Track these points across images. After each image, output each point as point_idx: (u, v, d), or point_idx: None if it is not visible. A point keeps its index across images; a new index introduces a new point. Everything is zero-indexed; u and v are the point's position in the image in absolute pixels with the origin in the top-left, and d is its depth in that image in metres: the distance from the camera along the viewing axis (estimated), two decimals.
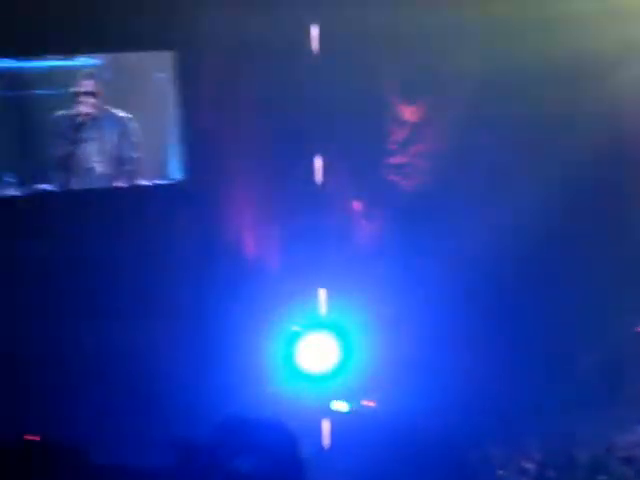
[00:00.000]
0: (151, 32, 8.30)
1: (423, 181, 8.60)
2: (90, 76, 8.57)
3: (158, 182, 8.85)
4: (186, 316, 8.40)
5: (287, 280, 8.49)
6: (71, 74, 8.70)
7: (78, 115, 8.54)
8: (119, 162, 8.72)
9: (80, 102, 8.52)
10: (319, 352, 8.40)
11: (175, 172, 9.10)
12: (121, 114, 8.72)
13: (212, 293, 8.41)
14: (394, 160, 8.63)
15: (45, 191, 8.53)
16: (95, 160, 8.66)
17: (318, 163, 8.52)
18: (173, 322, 8.33)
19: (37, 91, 8.88)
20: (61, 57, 8.73)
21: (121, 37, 8.29)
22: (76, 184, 8.59)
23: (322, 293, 8.49)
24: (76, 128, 8.56)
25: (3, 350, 7.95)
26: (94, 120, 8.61)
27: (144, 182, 8.78)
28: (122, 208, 8.37)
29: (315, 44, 8.34)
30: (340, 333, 8.41)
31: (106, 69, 8.98)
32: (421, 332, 8.46)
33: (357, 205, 8.59)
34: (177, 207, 8.51)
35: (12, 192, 8.49)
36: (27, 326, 8.11)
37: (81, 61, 8.84)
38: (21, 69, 8.82)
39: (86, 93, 8.53)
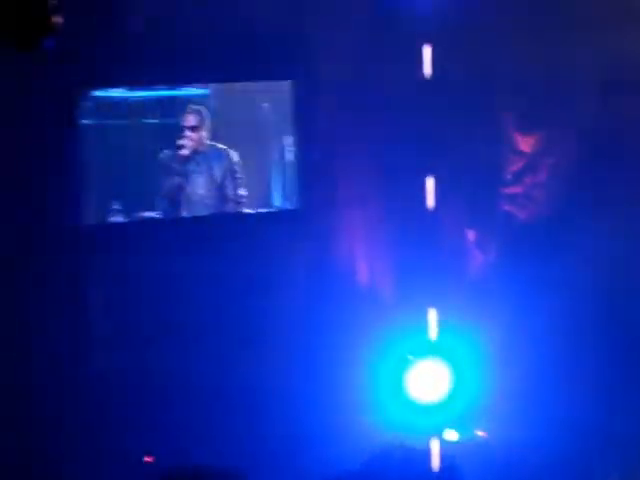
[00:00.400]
0: (263, 62, 8.42)
1: (538, 212, 8.58)
2: (195, 111, 8.75)
3: (265, 210, 9.02)
4: (297, 345, 8.40)
5: (398, 308, 8.42)
6: (180, 103, 8.96)
7: (182, 149, 8.69)
8: (224, 194, 8.86)
9: (185, 136, 8.69)
10: (430, 380, 8.32)
11: (283, 201, 9.22)
12: (225, 147, 8.88)
13: (323, 321, 8.38)
14: (509, 190, 8.60)
15: (151, 219, 8.73)
16: (201, 193, 8.81)
17: (431, 190, 8.55)
18: (284, 351, 8.34)
19: (146, 120, 9.08)
20: (171, 87, 8.93)
21: (232, 67, 8.43)
22: (179, 213, 8.77)
23: (433, 319, 8.47)
24: (181, 162, 8.73)
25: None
26: (199, 153, 8.76)
27: (248, 210, 8.92)
28: (231, 235, 8.44)
29: (427, 68, 8.39)
30: (451, 361, 8.35)
31: (214, 98, 9.15)
32: (532, 362, 8.35)
33: (470, 234, 8.58)
34: (287, 235, 8.55)
35: (119, 219, 8.70)
36: (143, 355, 8.24)
37: (190, 91, 9.02)
38: (131, 98, 9.03)
39: (191, 127, 8.70)
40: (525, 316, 8.36)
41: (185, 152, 8.70)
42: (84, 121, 8.54)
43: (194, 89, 9.04)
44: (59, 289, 7.96)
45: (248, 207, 8.93)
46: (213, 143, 8.88)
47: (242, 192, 8.88)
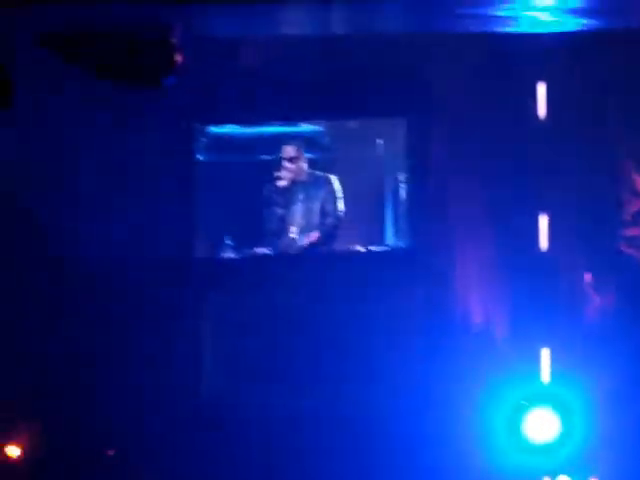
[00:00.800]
0: (378, 99, 8.38)
1: None
2: (292, 143, 8.74)
3: (378, 248, 8.93)
4: (410, 386, 8.22)
5: (512, 348, 8.22)
6: (295, 140, 8.95)
7: (280, 180, 8.71)
8: (326, 224, 8.81)
9: (283, 168, 8.70)
10: (543, 423, 8.12)
11: (393, 238, 9.13)
12: (324, 174, 8.85)
13: (436, 362, 8.20)
14: (627, 232, 8.40)
15: (261, 255, 8.71)
16: (302, 221, 8.78)
17: (545, 229, 8.38)
18: (397, 393, 8.18)
19: (258, 156, 9.12)
20: (285, 124, 8.96)
21: (347, 104, 8.41)
22: (286, 247, 8.75)
23: (546, 360, 8.29)
24: (281, 193, 8.74)
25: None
26: (298, 184, 8.75)
27: (359, 247, 8.82)
28: (342, 273, 8.36)
29: (542, 106, 8.26)
30: (564, 405, 8.18)
31: (328, 135, 9.14)
32: None
33: (587, 276, 8.38)
34: (400, 274, 8.44)
35: (231, 255, 8.73)
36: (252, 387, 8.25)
37: (304, 127, 9.04)
38: (246, 134, 9.08)
39: (289, 159, 8.70)
40: None
41: (283, 183, 8.72)
42: (199, 156, 8.68)
43: (308, 126, 9.05)
44: (171, 321, 8.01)
45: (360, 244, 8.89)
46: (312, 171, 8.86)
47: (341, 214, 8.81)
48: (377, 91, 8.24)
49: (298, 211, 8.77)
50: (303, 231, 8.74)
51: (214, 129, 8.91)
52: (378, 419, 8.02)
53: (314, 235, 8.74)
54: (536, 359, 8.16)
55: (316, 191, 8.78)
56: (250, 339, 8.23)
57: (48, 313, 7.83)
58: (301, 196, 8.76)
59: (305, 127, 9.10)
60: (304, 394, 8.15)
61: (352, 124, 9.24)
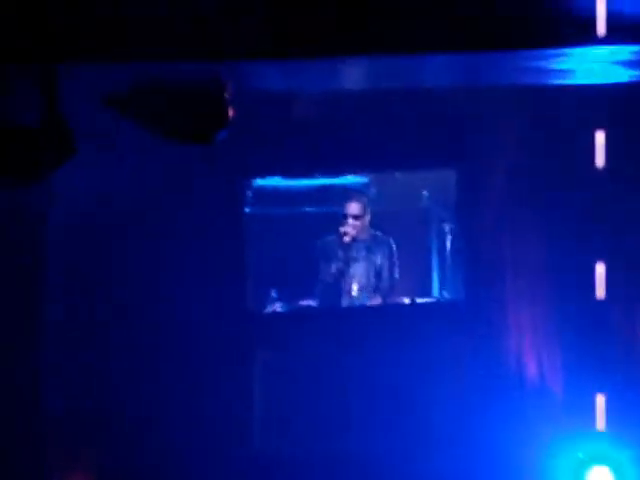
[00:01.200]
0: (425, 151, 8.39)
1: None
2: (358, 199, 8.71)
3: (425, 300, 8.87)
4: (462, 443, 8.14)
5: (569, 406, 8.06)
6: (339, 192, 8.97)
7: (346, 236, 8.66)
8: (382, 284, 8.79)
9: (348, 224, 8.65)
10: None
11: (443, 291, 9.03)
12: (386, 236, 8.83)
13: (488, 419, 8.06)
14: None
15: (310, 308, 8.69)
16: (360, 280, 8.74)
17: (601, 278, 8.31)
18: (449, 450, 8.08)
19: (305, 209, 9.10)
20: (329, 176, 8.95)
21: (393, 156, 8.41)
22: (346, 304, 8.72)
23: (601, 410, 8.15)
24: (343, 249, 8.70)
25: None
26: (359, 242, 8.72)
27: (406, 300, 8.77)
28: (390, 326, 8.31)
29: (600, 155, 8.21)
30: (620, 465, 7.97)
31: (374, 186, 9.12)
32: None
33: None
34: (448, 327, 8.35)
35: (277, 308, 8.72)
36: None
37: (350, 179, 9.02)
38: (290, 187, 9.08)
39: (354, 216, 8.66)
40: None
41: (348, 239, 8.66)
42: (247, 209, 8.69)
43: (354, 177, 9.06)
44: (222, 374, 8.00)
45: (407, 296, 8.81)
46: (374, 232, 8.85)
47: (397, 277, 8.80)
48: (426, 142, 8.26)
49: (359, 269, 8.73)
50: (361, 289, 8.73)
51: (261, 182, 8.91)
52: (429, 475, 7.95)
53: (376, 300, 8.72)
54: (592, 410, 8.05)
55: (375, 251, 8.76)
56: (299, 392, 8.20)
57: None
58: (362, 254, 8.75)
59: (351, 179, 9.07)
60: (352, 445, 8.10)
61: (399, 175, 9.19)
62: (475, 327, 8.34)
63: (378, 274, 8.78)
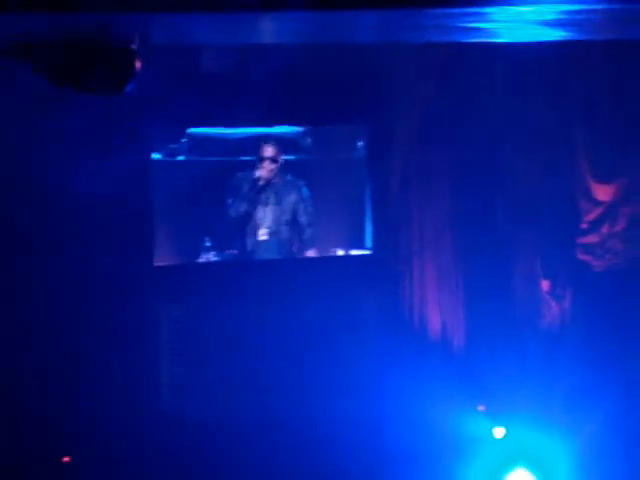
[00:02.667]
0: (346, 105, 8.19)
1: (614, 262, 8.23)
2: (273, 143, 8.49)
3: (347, 253, 8.66)
4: (364, 391, 8.07)
5: (472, 361, 8.10)
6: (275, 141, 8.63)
7: (258, 179, 8.46)
8: (296, 228, 8.59)
9: (262, 167, 8.45)
10: None
11: (365, 244, 8.79)
12: (297, 180, 8.63)
13: (394, 369, 8.01)
14: (585, 240, 8.27)
15: (237, 259, 8.49)
16: (270, 226, 8.55)
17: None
18: (350, 399, 8.01)
19: (240, 157, 8.79)
20: (264, 125, 8.64)
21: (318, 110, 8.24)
22: (255, 248, 8.48)
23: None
24: (254, 191, 8.48)
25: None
26: (272, 185, 8.52)
27: (332, 252, 8.64)
28: (311, 277, 8.16)
29: None
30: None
31: (310, 135, 8.83)
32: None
33: (545, 284, 8.25)
34: (366, 278, 8.27)
35: (210, 257, 8.50)
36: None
37: (284, 129, 8.72)
38: (227, 136, 8.77)
39: (269, 159, 8.45)
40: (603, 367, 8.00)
41: (262, 182, 8.47)
42: (179, 158, 8.44)
43: (289, 127, 8.74)
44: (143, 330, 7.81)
45: (331, 247, 8.65)
46: (287, 176, 8.61)
47: (311, 223, 8.56)
48: (343, 99, 8.07)
49: (268, 213, 8.51)
50: (271, 234, 8.50)
51: (195, 131, 8.55)
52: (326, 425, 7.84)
53: (287, 247, 8.53)
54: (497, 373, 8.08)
55: (285, 196, 8.53)
56: (223, 343, 8.02)
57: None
58: (271, 199, 8.52)
59: (286, 128, 8.74)
60: (269, 399, 7.96)
61: (335, 126, 8.86)
62: (381, 279, 8.29)
63: (292, 220, 8.55)
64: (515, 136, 8.13)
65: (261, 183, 8.50)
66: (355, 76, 8.03)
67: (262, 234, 8.54)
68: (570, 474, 7.84)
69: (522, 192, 8.14)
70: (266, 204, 8.55)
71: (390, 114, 8.19)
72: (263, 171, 8.49)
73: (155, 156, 8.39)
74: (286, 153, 8.66)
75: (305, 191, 8.63)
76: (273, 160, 8.49)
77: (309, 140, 8.84)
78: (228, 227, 8.57)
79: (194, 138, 8.61)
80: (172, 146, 8.53)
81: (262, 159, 8.49)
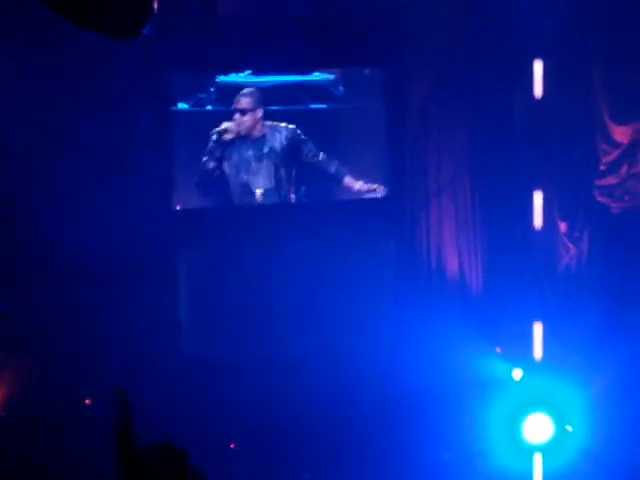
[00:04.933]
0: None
1: (633, 203, 8.13)
2: (249, 94, 8.02)
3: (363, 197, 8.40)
4: (383, 333, 8.05)
5: (489, 303, 8.06)
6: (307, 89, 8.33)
7: (226, 133, 8.00)
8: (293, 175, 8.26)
9: (233, 119, 8.00)
10: (539, 423, 7.84)
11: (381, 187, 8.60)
12: (284, 124, 8.14)
13: (412, 311, 7.99)
14: (604, 181, 8.18)
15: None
16: (264, 184, 8.15)
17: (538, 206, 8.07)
18: (370, 341, 7.99)
19: (269, 107, 8.27)
20: (294, 73, 8.31)
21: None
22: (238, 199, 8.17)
23: (537, 329, 8.03)
24: (222, 147, 8.03)
25: None
26: (255, 138, 8.09)
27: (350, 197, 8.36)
28: (329, 220, 8.10)
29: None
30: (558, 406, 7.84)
31: (341, 84, 8.53)
32: None
33: (563, 226, 8.19)
34: (383, 221, 8.23)
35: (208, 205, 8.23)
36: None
37: (316, 77, 8.35)
38: (256, 85, 8.26)
39: (241, 110, 8.00)
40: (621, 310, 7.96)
41: (228, 136, 7.97)
42: (208, 107, 8.12)
43: (320, 75, 8.29)
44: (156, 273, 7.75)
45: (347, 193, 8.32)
46: (272, 123, 8.11)
47: (321, 157, 8.16)
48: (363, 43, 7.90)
49: (261, 170, 8.08)
50: (265, 193, 8.12)
51: (223, 79, 8.11)
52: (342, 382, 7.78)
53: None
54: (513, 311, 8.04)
55: (276, 143, 8.08)
56: (243, 286, 7.99)
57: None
58: (259, 152, 8.07)
59: (316, 76, 8.27)
60: (271, 342, 7.95)
61: (367, 73, 8.45)
62: (399, 222, 8.24)
63: (286, 169, 8.13)
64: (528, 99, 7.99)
65: (227, 137, 7.99)
66: (374, 20, 7.88)
67: (258, 194, 8.14)
68: (587, 418, 7.84)
69: (540, 134, 8.07)
70: (253, 160, 8.10)
71: (409, 57, 8.04)
72: (231, 124, 7.99)
73: (182, 105, 8.05)
74: (318, 102, 8.25)
75: (289, 130, 8.12)
76: (246, 112, 7.99)
77: (341, 89, 8.34)
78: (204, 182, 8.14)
79: (222, 87, 8.13)
80: (200, 95, 8.10)
81: (235, 111, 7.99)
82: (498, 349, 8.09)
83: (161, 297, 7.73)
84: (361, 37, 7.92)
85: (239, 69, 8.06)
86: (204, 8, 7.63)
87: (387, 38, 7.97)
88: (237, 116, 8.01)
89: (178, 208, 8.05)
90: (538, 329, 8.01)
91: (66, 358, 7.49)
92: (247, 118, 8.02)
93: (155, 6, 5.31)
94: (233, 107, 8.01)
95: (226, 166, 8.08)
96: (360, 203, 8.30)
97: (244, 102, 7.99)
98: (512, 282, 8.02)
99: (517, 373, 8.07)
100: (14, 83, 7.27)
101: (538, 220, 8.04)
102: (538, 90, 7.96)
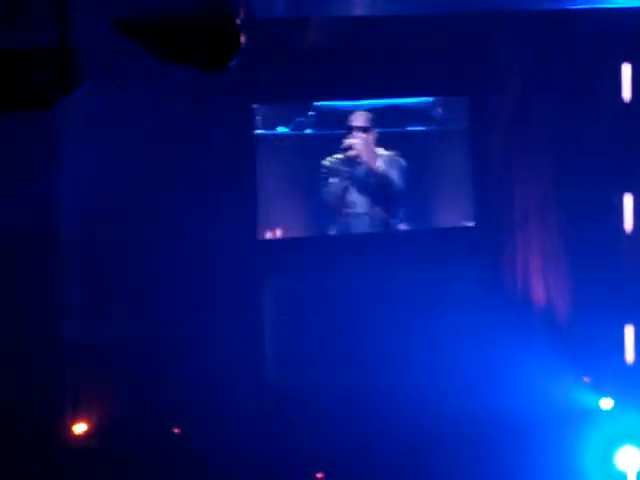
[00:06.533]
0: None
1: None
2: (363, 113, 8.14)
3: (447, 226, 8.44)
4: (469, 364, 8.00)
5: (577, 333, 7.97)
6: (405, 113, 8.36)
7: (350, 149, 8.13)
8: (390, 202, 8.33)
9: (354, 136, 8.11)
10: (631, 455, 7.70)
11: (464, 218, 8.60)
12: (393, 154, 8.26)
13: (497, 343, 7.88)
14: None
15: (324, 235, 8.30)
16: (366, 204, 8.28)
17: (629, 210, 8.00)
18: (454, 373, 7.95)
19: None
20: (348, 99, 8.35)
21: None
22: (350, 224, 8.29)
23: (629, 335, 8.02)
24: (348, 164, 8.17)
25: None
26: (365, 162, 8.21)
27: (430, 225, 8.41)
28: (413, 250, 8.10)
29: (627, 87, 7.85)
30: None
31: (439, 106, 8.50)
32: None
33: None
34: (468, 251, 8.19)
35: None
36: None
37: (412, 100, 8.37)
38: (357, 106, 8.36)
39: (361, 128, 8.12)
40: None
41: (353, 153, 8.12)
42: (307, 131, 8.23)
43: (417, 98, 8.33)
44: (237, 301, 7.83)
45: (427, 221, 8.40)
46: (382, 150, 8.24)
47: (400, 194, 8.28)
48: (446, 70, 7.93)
49: (364, 190, 8.22)
50: (366, 212, 8.25)
51: (322, 104, 8.23)
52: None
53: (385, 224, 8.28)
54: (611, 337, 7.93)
55: (386, 172, 8.21)
56: (317, 316, 8.05)
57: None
58: (370, 176, 8.20)
59: (414, 99, 8.33)
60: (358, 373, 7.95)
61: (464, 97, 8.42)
62: (484, 251, 8.19)
63: (388, 197, 8.26)
64: (616, 103, 7.94)
65: (353, 154, 8.11)
66: (457, 47, 7.86)
67: (356, 212, 8.24)
68: None
69: (627, 159, 7.96)
70: (363, 183, 8.23)
71: (493, 84, 8.02)
72: (354, 140, 8.08)
73: (281, 130, 8.17)
74: (416, 124, 8.30)
75: (403, 164, 8.30)
76: (365, 130, 8.11)
77: (439, 111, 8.36)
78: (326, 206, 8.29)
79: (320, 111, 8.25)
80: (300, 119, 8.22)
81: (351, 128, 8.09)
82: (586, 379, 7.98)
83: (243, 327, 7.78)
84: (445, 65, 7.93)
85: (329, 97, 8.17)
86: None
87: (471, 65, 7.97)
88: (357, 133, 8.11)
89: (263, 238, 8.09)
90: (630, 358, 7.86)
91: (148, 388, 7.58)
92: (366, 136, 8.11)
93: (242, 41, 5.38)
94: (348, 125, 8.11)
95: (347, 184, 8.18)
96: (449, 231, 8.29)
97: (361, 119, 8.11)
98: (600, 311, 7.90)
99: (606, 403, 7.95)
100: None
101: (627, 247, 7.94)
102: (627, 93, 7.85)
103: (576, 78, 7.85)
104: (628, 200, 7.93)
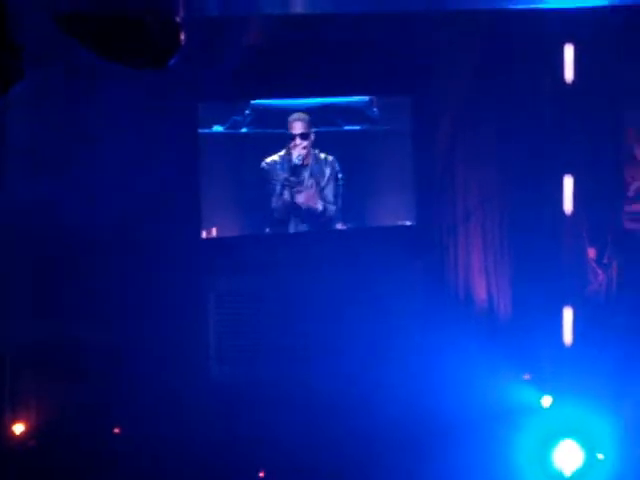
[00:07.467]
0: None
1: None
2: (302, 119, 8.14)
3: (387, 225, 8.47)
4: (410, 359, 8.06)
5: (518, 329, 8.05)
6: (341, 111, 8.37)
7: (297, 157, 8.16)
8: (328, 204, 8.35)
9: (296, 144, 8.14)
10: (569, 451, 7.73)
11: (406, 217, 8.66)
12: (327, 156, 8.28)
13: (436, 341, 7.96)
14: (632, 208, 8.17)
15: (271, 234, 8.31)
16: (308, 203, 8.31)
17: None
18: (396, 367, 7.99)
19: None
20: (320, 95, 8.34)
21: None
22: (297, 226, 8.32)
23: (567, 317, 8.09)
24: (293, 172, 8.21)
25: None
26: (305, 164, 8.22)
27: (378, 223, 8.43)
28: (356, 247, 8.13)
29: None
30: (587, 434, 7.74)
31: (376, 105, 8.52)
32: None
33: (592, 253, 8.19)
34: (411, 249, 8.25)
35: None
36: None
37: (349, 99, 8.38)
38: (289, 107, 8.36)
39: (301, 135, 8.13)
40: None
41: (298, 161, 8.13)
42: (243, 130, 8.19)
43: (354, 97, 8.33)
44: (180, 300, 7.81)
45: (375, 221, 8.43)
46: (316, 152, 8.24)
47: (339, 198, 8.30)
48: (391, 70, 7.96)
49: (306, 196, 8.25)
50: (311, 216, 8.27)
51: (258, 102, 8.22)
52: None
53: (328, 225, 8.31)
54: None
55: (320, 174, 8.24)
56: (265, 317, 8.07)
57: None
58: (310, 180, 8.23)
59: (350, 98, 8.33)
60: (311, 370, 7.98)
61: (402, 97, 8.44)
62: (426, 249, 8.25)
63: (321, 196, 8.26)
64: (562, 102, 8.03)
65: (299, 162, 8.13)
66: (401, 46, 7.87)
67: (303, 212, 8.26)
68: (617, 446, 7.80)
69: (568, 159, 8.07)
70: (304, 186, 8.22)
71: (436, 84, 8.06)
72: (298, 148, 8.10)
73: (217, 128, 8.16)
74: (352, 123, 8.31)
75: (337, 166, 8.29)
76: (304, 136, 8.12)
77: (375, 110, 8.38)
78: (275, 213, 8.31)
79: (257, 110, 8.24)
80: (236, 118, 8.19)
81: (294, 136, 8.10)
82: (526, 376, 8.08)
83: (189, 326, 7.76)
84: (390, 65, 7.95)
85: (277, 93, 8.14)
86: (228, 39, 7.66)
87: (415, 66, 8.01)
88: (299, 141, 8.11)
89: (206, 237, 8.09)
90: (567, 354, 7.97)
91: (96, 386, 7.53)
92: (306, 142, 8.12)
93: (182, 38, 5.38)
94: (290, 132, 8.10)
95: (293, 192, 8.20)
96: (389, 230, 8.32)
97: (300, 126, 8.10)
98: (541, 308, 8.00)
99: (546, 400, 8.05)
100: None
101: (566, 245, 8.05)
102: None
103: (518, 63, 7.89)
104: (568, 182, 7.97)
